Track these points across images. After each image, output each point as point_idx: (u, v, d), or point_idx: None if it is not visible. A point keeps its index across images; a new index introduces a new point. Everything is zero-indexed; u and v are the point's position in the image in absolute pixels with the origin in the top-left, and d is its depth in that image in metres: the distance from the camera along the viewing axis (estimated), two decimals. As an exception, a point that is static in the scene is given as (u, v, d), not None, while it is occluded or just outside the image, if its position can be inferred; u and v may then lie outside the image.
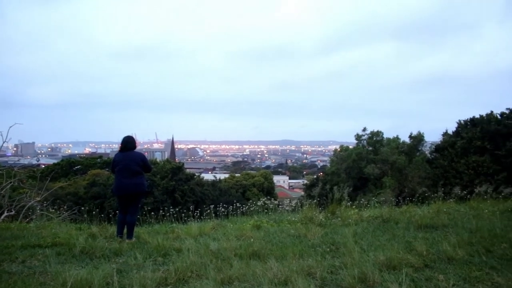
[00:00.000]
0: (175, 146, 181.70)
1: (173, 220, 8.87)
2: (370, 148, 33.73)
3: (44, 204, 10.32)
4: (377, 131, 34.54)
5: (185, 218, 9.16)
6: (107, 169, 36.31)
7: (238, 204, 9.93)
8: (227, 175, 62.93)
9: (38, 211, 9.53)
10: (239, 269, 4.57)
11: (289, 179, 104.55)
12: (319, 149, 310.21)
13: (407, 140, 32.45)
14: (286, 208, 10.66)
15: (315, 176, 47.86)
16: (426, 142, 32.37)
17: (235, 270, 4.55)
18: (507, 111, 27.38)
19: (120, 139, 7.08)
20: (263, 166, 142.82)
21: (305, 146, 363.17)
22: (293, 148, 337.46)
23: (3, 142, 10.16)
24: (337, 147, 39.62)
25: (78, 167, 43.04)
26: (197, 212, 9.69)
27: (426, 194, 10.59)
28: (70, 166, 43.66)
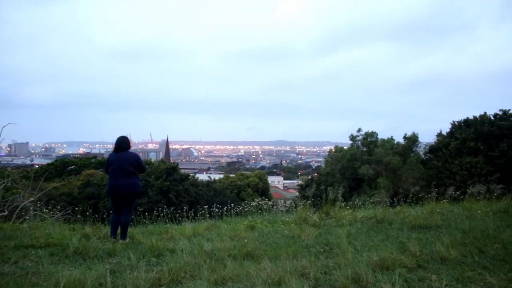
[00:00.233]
0: (170, 147, 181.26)
1: (167, 220, 8.86)
2: (365, 149, 33.84)
3: (38, 205, 10.24)
4: (372, 132, 34.67)
5: (179, 219, 9.15)
6: (101, 169, 36.12)
7: (232, 204, 9.93)
8: (221, 176, 62.83)
9: (32, 212, 9.46)
10: (233, 269, 4.57)
11: (284, 179, 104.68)
12: (314, 149, 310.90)
13: (402, 141, 32.60)
14: (281, 209, 10.67)
15: (309, 177, 47.90)
16: (420, 143, 32.52)
17: (228, 270, 4.55)
18: (500, 112, 27.57)
19: (114, 139, 7.07)
20: (258, 167, 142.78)
21: (299, 146, 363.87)
22: (287, 149, 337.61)
23: (-3, 142, 10.09)
24: (332, 147, 39.63)
25: (72, 167, 42.79)
26: (191, 213, 9.69)
27: (420, 195, 10.63)
28: (64, 166, 43.39)
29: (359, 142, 34.69)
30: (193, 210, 10.11)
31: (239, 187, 51.11)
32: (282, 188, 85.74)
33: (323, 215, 8.37)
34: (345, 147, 36.30)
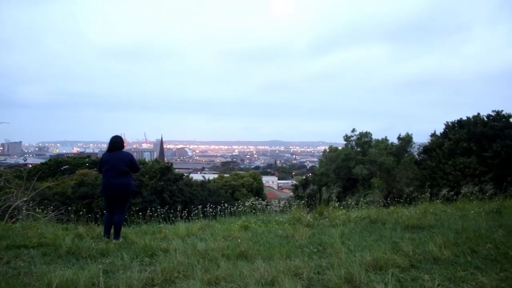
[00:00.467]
0: (164, 146, 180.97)
1: (160, 220, 8.84)
2: (359, 149, 33.95)
3: (31, 204, 10.18)
4: (366, 132, 34.79)
5: (173, 219, 9.14)
6: (95, 169, 35.95)
7: (226, 204, 9.93)
8: (216, 176, 62.76)
9: (24, 211, 9.40)
10: (226, 269, 4.57)
11: (278, 179, 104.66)
12: (308, 149, 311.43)
13: (396, 141, 32.75)
14: (275, 209, 10.69)
15: (304, 177, 47.94)
16: (414, 143, 32.65)
17: (222, 270, 4.55)
18: (493, 113, 27.76)
19: (108, 139, 7.05)
20: (252, 167, 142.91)
21: (294, 146, 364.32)
22: (282, 149, 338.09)
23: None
24: (326, 148, 39.70)
25: (66, 166, 42.56)
26: (185, 213, 9.68)
27: (414, 195, 10.68)
28: (57, 166, 43.12)
29: (353, 142, 34.79)
30: (187, 210, 10.09)
31: (233, 187, 51.10)
32: (276, 188, 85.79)
33: (317, 215, 8.39)
34: (339, 147, 36.38)
